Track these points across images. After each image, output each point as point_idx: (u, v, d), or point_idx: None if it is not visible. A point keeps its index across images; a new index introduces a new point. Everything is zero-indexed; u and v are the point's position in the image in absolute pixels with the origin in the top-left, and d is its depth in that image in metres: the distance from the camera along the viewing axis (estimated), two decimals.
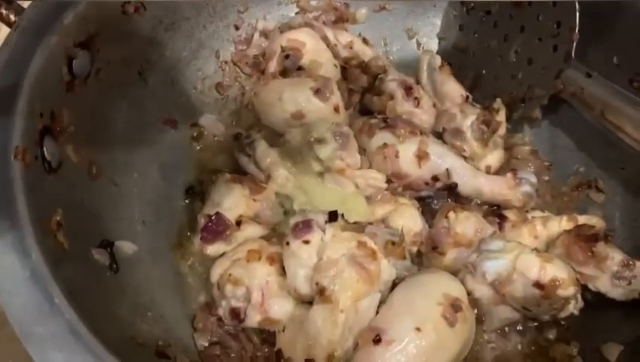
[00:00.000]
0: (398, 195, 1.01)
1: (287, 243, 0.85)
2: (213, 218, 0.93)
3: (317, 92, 1.01)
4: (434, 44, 1.27)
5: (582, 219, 0.97)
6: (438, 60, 1.13)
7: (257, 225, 0.95)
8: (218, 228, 0.93)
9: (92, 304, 0.72)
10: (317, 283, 0.81)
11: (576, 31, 0.97)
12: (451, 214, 0.94)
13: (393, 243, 0.86)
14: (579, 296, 0.86)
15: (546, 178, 1.10)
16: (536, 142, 1.14)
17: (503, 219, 0.99)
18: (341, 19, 1.25)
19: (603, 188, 1.05)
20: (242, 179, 0.97)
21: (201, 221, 0.94)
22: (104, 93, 0.96)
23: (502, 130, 1.05)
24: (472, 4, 1.17)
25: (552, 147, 1.13)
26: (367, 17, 1.26)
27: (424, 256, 0.97)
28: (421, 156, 0.99)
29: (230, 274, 0.87)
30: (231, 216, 0.94)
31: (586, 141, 1.07)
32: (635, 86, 0.99)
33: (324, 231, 0.85)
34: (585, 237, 0.89)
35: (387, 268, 0.84)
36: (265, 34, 1.20)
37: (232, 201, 0.95)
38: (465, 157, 1.04)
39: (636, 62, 0.98)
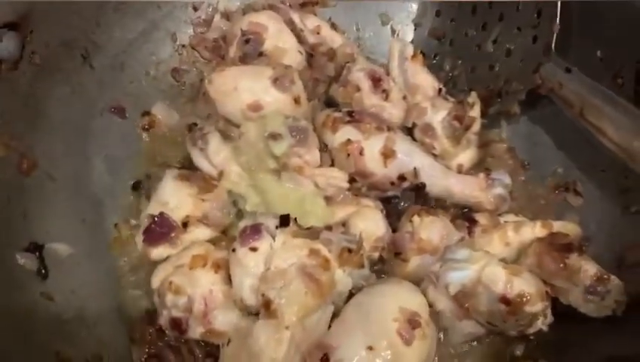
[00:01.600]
0: (361, 196, 0.93)
1: (234, 250, 0.78)
2: (157, 219, 0.86)
3: (276, 81, 0.93)
4: (409, 31, 1.19)
5: (557, 226, 0.90)
6: (410, 49, 1.05)
7: (206, 227, 0.87)
8: (162, 230, 0.86)
9: (6, 313, 0.64)
10: (262, 295, 0.74)
11: (557, 21, 0.89)
12: (416, 218, 0.87)
13: (350, 251, 0.79)
14: (548, 312, 0.79)
15: (522, 178, 1.03)
16: (513, 139, 1.07)
17: (472, 223, 0.92)
18: (310, 2, 1.16)
19: (582, 192, 0.98)
20: (191, 177, 0.89)
21: (144, 222, 0.87)
22: (41, 78, 0.88)
23: (476, 127, 0.98)
24: None
25: (530, 145, 1.06)
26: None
27: (386, 263, 0.90)
28: (387, 154, 0.92)
29: (171, 282, 0.79)
30: (177, 216, 0.87)
31: (567, 140, 1.00)
32: (619, 82, 0.91)
33: (274, 237, 0.78)
34: (558, 247, 0.83)
35: (342, 279, 0.78)
36: (226, 15, 1.12)
37: (179, 200, 0.87)
38: (435, 156, 0.97)
39: (621, 57, 0.91)
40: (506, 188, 0.94)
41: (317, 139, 0.92)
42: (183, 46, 1.11)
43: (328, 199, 0.91)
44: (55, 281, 0.79)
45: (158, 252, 0.86)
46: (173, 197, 0.87)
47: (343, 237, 0.80)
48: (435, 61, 1.12)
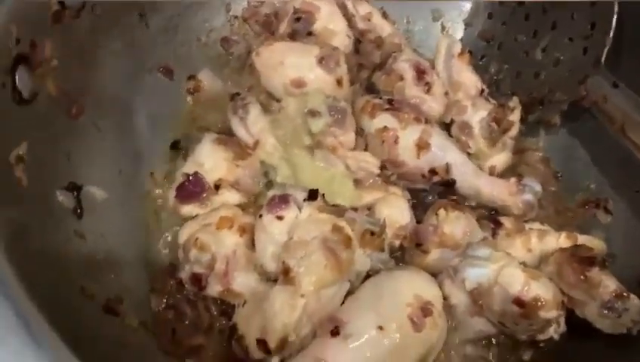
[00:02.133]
0: (390, 184, 0.95)
1: (260, 216, 0.80)
2: (191, 177, 0.89)
3: (321, 61, 0.94)
4: (459, 30, 1.19)
5: (582, 239, 0.90)
6: (458, 47, 1.06)
7: (236, 192, 0.90)
8: (195, 189, 0.89)
9: (40, 245, 0.68)
10: (283, 263, 0.76)
11: (611, 35, 0.88)
12: (441, 212, 0.88)
13: (372, 234, 0.80)
14: (562, 321, 0.79)
15: (553, 189, 1.03)
16: (549, 149, 1.06)
17: (497, 225, 0.92)
18: None
19: (612, 210, 0.97)
20: (228, 142, 0.92)
21: (179, 179, 0.90)
22: (99, 30, 0.91)
23: (513, 131, 0.98)
24: None
25: (565, 157, 1.05)
26: None
27: (406, 252, 0.91)
28: (422, 146, 0.93)
29: (197, 238, 0.82)
30: (210, 178, 0.89)
31: (603, 156, 1.00)
32: None
33: (300, 209, 0.80)
34: (580, 259, 0.82)
35: (361, 259, 0.79)
36: None
37: (214, 163, 0.90)
38: (469, 155, 0.97)
39: None
40: (536, 196, 0.94)
41: (354, 122, 0.94)
42: (236, 17, 1.13)
43: (357, 182, 0.93)
44: (88, 222, 0.82)
45: (188, 209, 0.89)
46: (209, 159, 0.90)
47: (367, 219, 0.81)
48: (481, 62, 1.12)
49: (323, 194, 0.82)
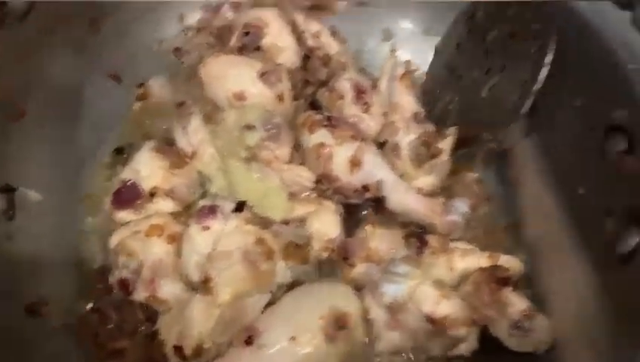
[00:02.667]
0: (323, 198, 0.97)
1: (188, 226, 0.83)
2: (127, 184, 0.91)
3: (263, 76, 0.97)
4: (408, 50, 1.22)
5: (503, 259, 0.93)
6: (400, 69, 1.09)
7: (171, 200, 0.92)
8: (130, 196, 0.90)
9: None
10: (205, 272, 0.78)
11: (534, 88, 0.91)
12: (368, 227, 0.91)
13: (297, 246, 0.83)
14: (472, 338, 0.83)
15: (485, 210, 1.06)
16: (484, 171, 1.10)
17: (423, 243, 0.94)
18: (318, 7, 1.20)
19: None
20: (166, 150, 0.94)
21: (115, 185, 0.92)
22: (45, 34, 0.93)
23: (443, 157, 1.02)
24: (476, 25, 1.11)
25: (499, 180, 1.09)
26: (345, 10, 1.21)
27: (335, 265, 0.94)
28: (355, 163, 0.95)
29: (126, 244, 0.84)
30: (146, 185, 0.91)
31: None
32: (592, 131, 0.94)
33: (227, 220, 0.82)
34: (495, 279, 0.86)
35: (282, 271, 0.82)
36: (236, 6, 1.16)
37: (150, 171, 0.92)
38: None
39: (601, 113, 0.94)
40: (462, 216, 0.97)
41: (291, 137, 0.96)
42: (189, 28, 1.15)
43: (292, 195, 0.95)
44: (20, 224, 0.84)
45: (122, 215, 0.91)
46: (146, 167, 0.92)
47: (293, 232, 0.84)
48: (439, 91, 1.14)
49: (251, 207, 0.84)
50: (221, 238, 0.80)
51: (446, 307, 0.79)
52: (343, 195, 0.99)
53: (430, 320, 0.79)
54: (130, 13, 1.08)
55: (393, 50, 1.21)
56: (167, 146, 0.96)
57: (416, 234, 0.97)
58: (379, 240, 0.90)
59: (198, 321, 0.75)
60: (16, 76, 0.88)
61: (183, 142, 0.97)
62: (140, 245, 0.84)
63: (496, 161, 1.09)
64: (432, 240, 0.95)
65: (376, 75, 1.17)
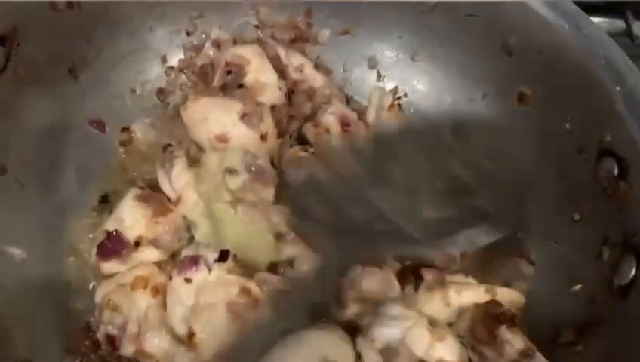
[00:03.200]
0: None
1: (170, 278, 0.81)
2: (111, 234, 0.89)
3: (244, 117, 0.96)
4: (394, 77, 1.21)
5: (500, 293, 0.91)
6: (388, 99, 1.07)
7: (155, 249, 0.90)
8: (115, 247, 0.89)
9: None
10: (189, 327, 0.76)
11: None
12: (357, 267, 0.89)
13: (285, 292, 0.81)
14: None
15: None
16: None
17: (419, 278, 0.93)
18: (301, 39, 1.19)
19: (534, 261, 0.98)
20: (150, 198, 0.93)
21: (100, 236, 0.90)
22: (23, 88, 0.92)
23: None
24: None
25: None
26: (329, 40, 1.20)
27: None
28: None
29: (110, 300, 0.83)
30: (131, 235, 0.90)
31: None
32: (583, 157, 0.92)
33: (210, 270, 0.80)
34: (490, 316, 0.83)
35: (269, 320, 0.80)
36: (217, 44, 1.15)
37: (134, 220, 0.90)
38: None
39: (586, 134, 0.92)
40: (458, 250, 0.95)
41: (275, 177, 0.95)
42: (172, 68, 1.15)
43: (279, 236, 0.93)
44: (3, 284, 0.82)
45: (108, 266, 0.90)
46: (130, 216, 0.91)
47: (278, 280, 0.82)
48: None
49: (235, 255, 0.83)
50: (203, 290, 0.78)
51: (440, 350, 0.77)
52: None
53: None
54: (111, 59, 1.06)
55: (382, 78, 1.19)
56: (151, 193, 0.95)
57: (412, 269, 0.95)
58: (369, 279, 0.88)
59: None
60: None
61: (166, 187, 0.96)
62: (125, 299, 0.83)
63: None
64: (428, 274, 0.93)
65: (364, 103, 1.16)
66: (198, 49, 1.15)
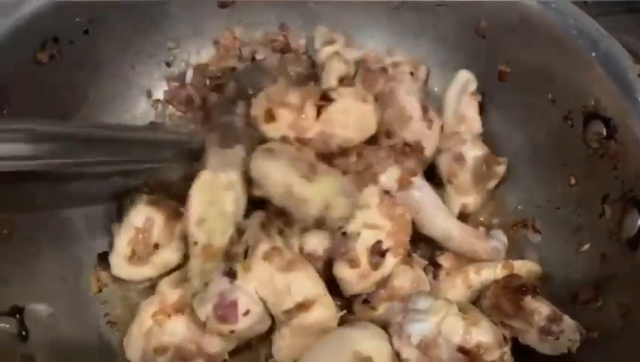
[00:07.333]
0: None
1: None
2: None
3: None
4: None
5: (517, 265, 0.94)
6: (473, 86, 1.08)
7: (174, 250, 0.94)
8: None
9: None
10: None
11: None
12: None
13: None
14: (506, 356, 0.82)
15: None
16: None
17: (437, 267, 0.96)
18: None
19: (540, 229, 1.02)
20: (160, 203, 0.95)
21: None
22: None
23: (492, 184, 1.04)
24: None
25: None
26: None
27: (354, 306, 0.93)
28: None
29: (153, 348, 0.83)
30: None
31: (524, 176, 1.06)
32: (570, 124, 0.96)
33: None
34: (513, 289, 0.86)
35: None
36: (199, 68, 1.17)
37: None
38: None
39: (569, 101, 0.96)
40: (502, 243, 0.98)
41: None
42: (158, 101, 1.15)
43: None
44: (35, 341, 0.82)
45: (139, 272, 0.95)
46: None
47: None
48: None
49: None
50: None
51: (477, 334, 0.78)
52: None
53: (463, 350, 0.78)
54: (96, 102, 1.06)
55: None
56: (161, 198, 0.97)
57: (430, 260, 0.97)
58: (401, 277, 0.90)
59: None
60: None
61: None
62: (162, 336, 0.83)
63: None
64: (444, 261, 0.96)
65: None
66: (181, 77, 1.16)
